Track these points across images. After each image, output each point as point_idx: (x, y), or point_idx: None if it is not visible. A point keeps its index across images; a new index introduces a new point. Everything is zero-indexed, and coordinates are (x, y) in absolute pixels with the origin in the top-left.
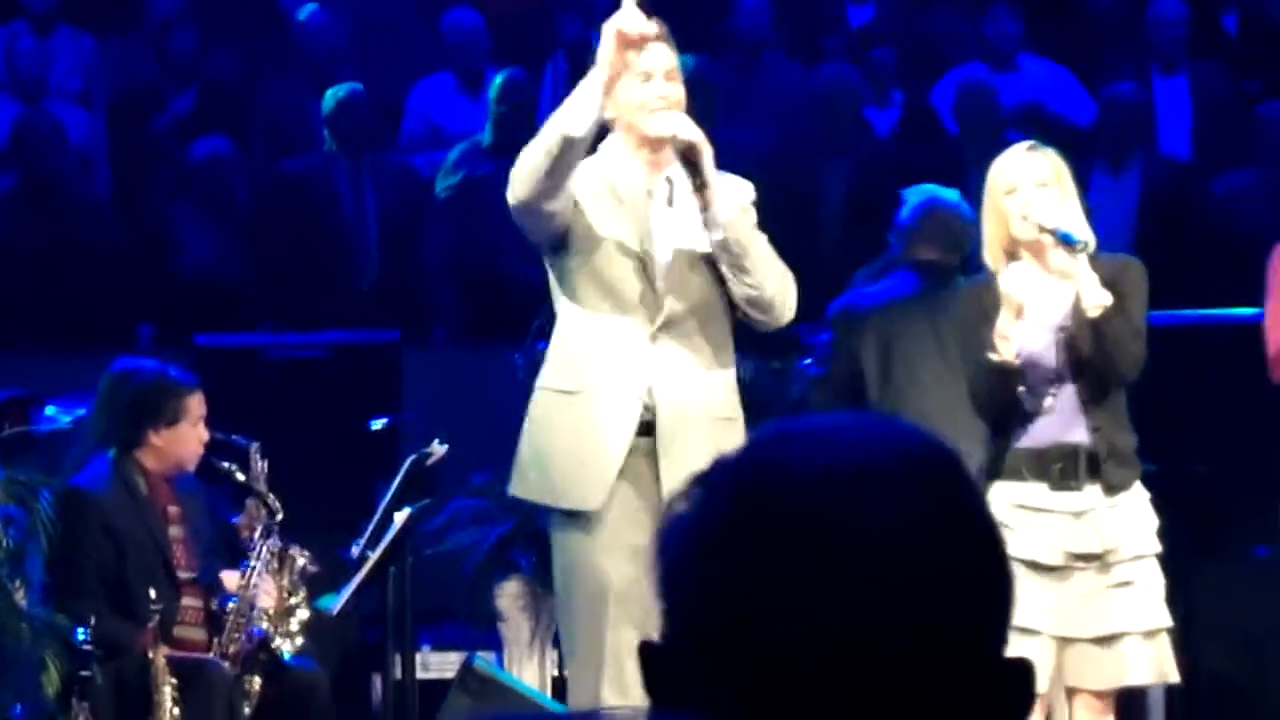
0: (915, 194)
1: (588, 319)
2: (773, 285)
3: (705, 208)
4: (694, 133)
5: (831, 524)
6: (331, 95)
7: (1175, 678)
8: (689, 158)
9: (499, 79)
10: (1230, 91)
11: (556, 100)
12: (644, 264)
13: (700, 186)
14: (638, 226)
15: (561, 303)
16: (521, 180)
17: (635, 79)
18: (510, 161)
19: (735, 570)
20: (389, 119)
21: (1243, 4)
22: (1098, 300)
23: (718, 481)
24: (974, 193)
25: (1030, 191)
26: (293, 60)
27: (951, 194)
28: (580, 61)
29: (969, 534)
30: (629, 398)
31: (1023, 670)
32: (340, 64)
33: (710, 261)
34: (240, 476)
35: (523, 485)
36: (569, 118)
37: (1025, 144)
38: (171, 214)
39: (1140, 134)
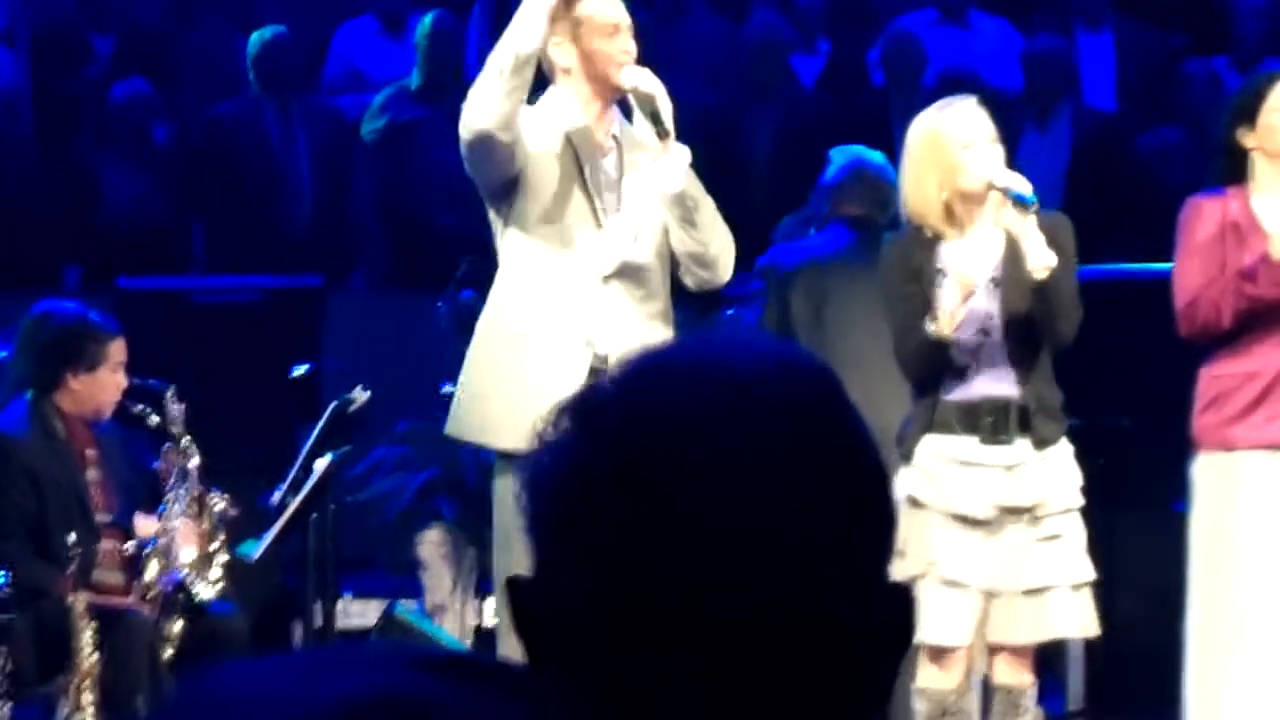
0: (840, 154)
1: (536, 263)
2: (718, 243)
3: (664, 158)
4: (658, 85)
5: (708, 464)
6: (256, 38)
7: (1096, 630)
8: (652, 110)
9: (426, 21)
10: (1155, 47)
11: (483, 44)
12: (594, 212)
13: (663, 135)
14: (589, 175)
15: (507, 247)
16: (477, 109)
17: (600, 31)
18: (437, 105)
19: (607, 513)
20: (314, 61)
21: None
22: (1044, 261)
23: (591, 418)
24: (900, 144)
25: (985, 147)
26: (218, 2)
27: (877, 155)
28: (506, 7)
29: (849, 463)
30: (576, 342)
31: (904, 594)
32: (265, 5)
33: (654, 222)
34: (154, 420)
35: (458, 425)
36: (519, 36)
37: (971, 99)
38: (94, 156)
39: (1065, 87)
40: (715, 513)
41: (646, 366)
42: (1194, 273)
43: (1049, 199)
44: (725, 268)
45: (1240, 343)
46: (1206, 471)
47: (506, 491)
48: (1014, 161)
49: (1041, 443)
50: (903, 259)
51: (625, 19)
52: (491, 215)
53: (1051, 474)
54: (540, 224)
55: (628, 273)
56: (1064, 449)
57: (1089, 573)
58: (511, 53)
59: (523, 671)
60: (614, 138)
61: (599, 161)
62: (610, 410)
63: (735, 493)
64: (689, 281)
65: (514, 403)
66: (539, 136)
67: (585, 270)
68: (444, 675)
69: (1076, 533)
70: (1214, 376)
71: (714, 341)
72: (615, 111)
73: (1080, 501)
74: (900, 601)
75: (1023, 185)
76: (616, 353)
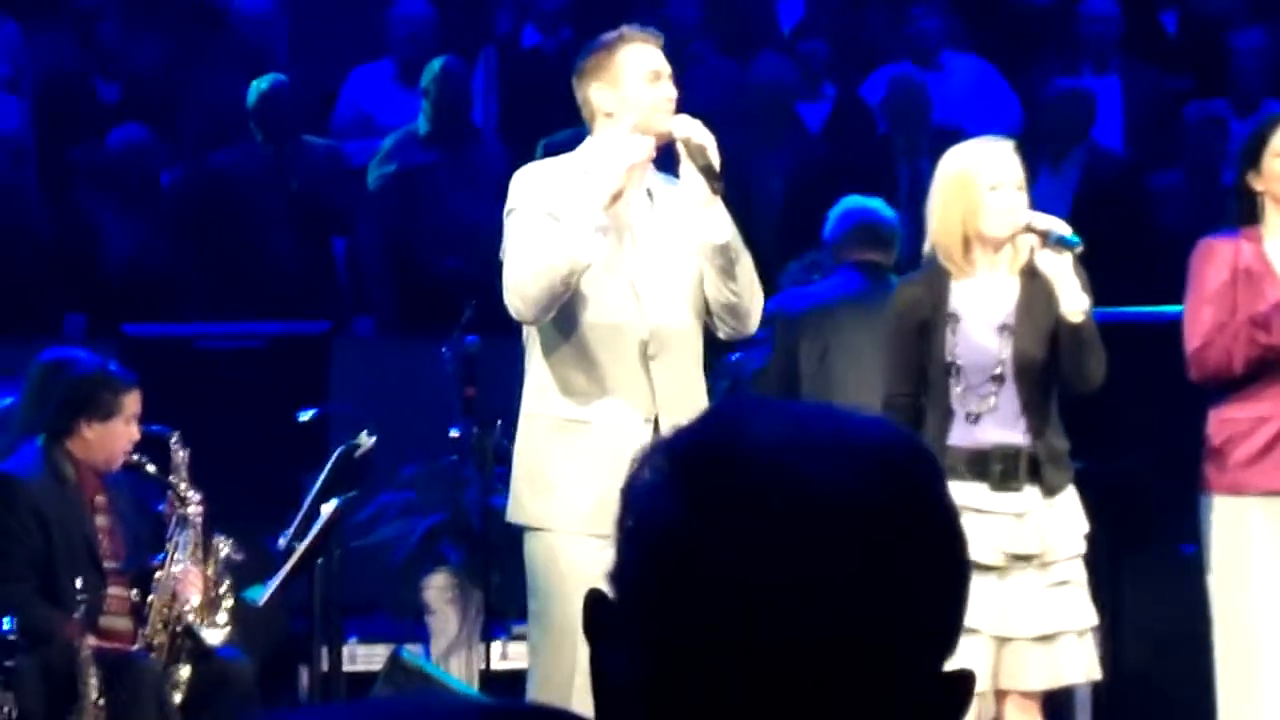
0: (843, 204)
1: (579, 342)
2: (751, 295)
3: (714, 208)
4: (709, 135)
5: (787, 496)
6: (255, 87)
7: (1100, 675)
8: (705, 161)
9: (434, 67)
10: (1162, 90)
11: (488, 92)
12: (632, 282)
13: (715, 188)
14: (624, 242)
15: (540, 327)
16: (533, 304)
17: (641, 78)
18: (444, 150)
19: (690, 537)
20: (322, 104)
21: (1182, 2)
22: (1080, 305)
23: (681, 449)
24: (903, 188)
25: (1012, 192)
26: (224, 48)
27: (875, 202)
28: (511, 54)
29: (928, 525)
30: (636, 420)
31: (964, 681)
32: (274, 50)
33: (687, 276)
34: (151, 469)
35: (523, 514)
36: (580, 246)
37: (1004, 139)
38: (94, 203)
39: (1083, 130)
40: (797, 554)
41: (738, 406)
42: (1206, 317)
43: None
44: (756, 319)
45: (1250, 387)
46: (1218, 516)
47: (547, 560)
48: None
49: (1050, 491)
50: (912, 306)
51: (666, 65)
52: None
53: (1060, 521)
54: (578, 299)
55: (671, 337)
56: (1071, 496)
57: (1094, 618)
58: (571, 263)
59: None
60: (648, 193)
61: (632, 219)
62: (698, 439)
63: (824, 529)
64: (720, 332)
65: (580, 490)
66: (561, 200)
67: (628, 345)
68: None
69: (1082, 578)
70: (1223, 420)
71: (787, 402)
72: (648, 167)
73: (1084, 548)
74: (961, 685)
75: (1063, 227)
76: (675, 421)
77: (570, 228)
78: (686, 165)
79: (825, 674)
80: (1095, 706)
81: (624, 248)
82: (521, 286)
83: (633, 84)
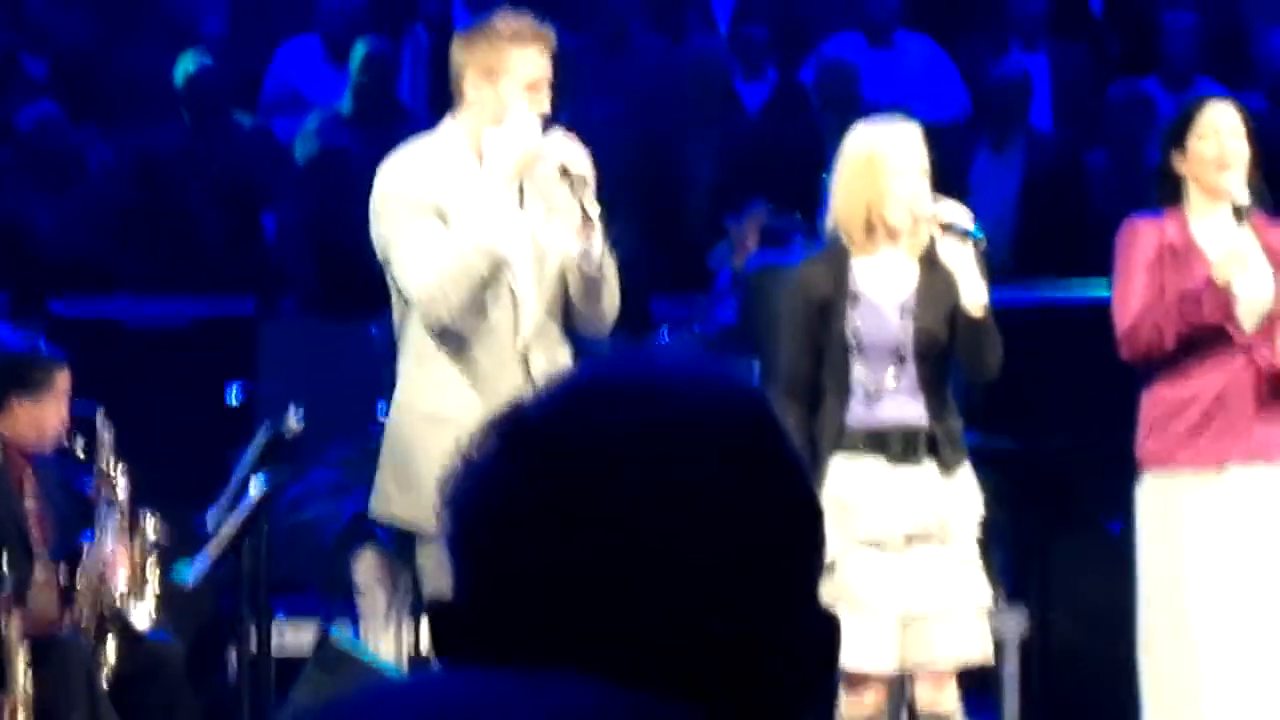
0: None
1: (453, 337)
2: (611, 309)
3: (587, 241)
4: (586, 165)
5: (635, 487)
6: (181, 69)
7: (991, 655)
8: (580, 191)
9: (361, 49)
10: (1090, 69)
11: (415, 73)
12: (508, 277)
13: (588, 220)
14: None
15: (414, 321)
16: (457, 308)
17: (519, 86)
18: (368, 131)
19: (532, 535)
20: (251, 80)
21: None
22: (980, 297)
23: (517, 440)
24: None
25: (917, 179)
26: (153, 22)
27: None
28: (440, 35)
29: (778, 488)
30: None
31: (830, 619)
32: (203, 24)
33: (557, 268)
34: (80, 451)
35: (386, 507)
36: (493, 240)
37: (913, 123)
38: (14, 181)
39: (1022, 113)
40: (641, 537)
41: (574, 387)
42: (1135, 296)
43: (1004, 224)
44: (611, 323)
45: (1181, 365)
46: (1151, 493)
47: (433, 564)
48: (964, 189)
49: (948, 469)
50: (814, 285)
51: (549, 72)
52: (395, 287)
53: (958, 499)
54: None
55: (540, 335)
56: (967, 474)
57: (989, 597)
58: (488, 259)
59: None
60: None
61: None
62: (537, 432)
63: (662, 517)
64: (577, 327)
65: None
66: (445, 195)
67: (502, 339)
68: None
69: (978, 557)
70: (1156, 399)
71: (643, 361)
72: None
73: (979, 528)
74: (826, 626)
75: (966, 220)
76: None
77: (476, 223)
78: (559, 186)
79: (691, 652)
80: (1024, 685)
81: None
82: (441, 293)
83: (509, 89)
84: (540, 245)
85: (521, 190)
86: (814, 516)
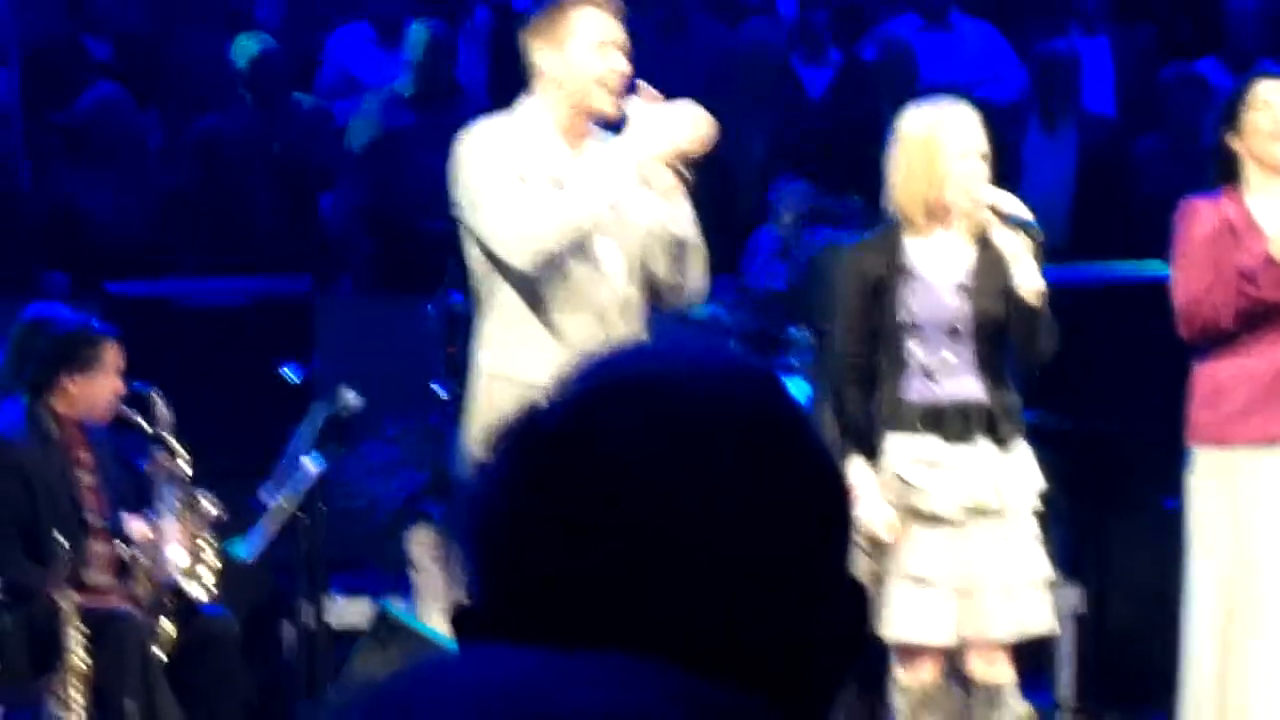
0: None
1: (542, 305)
2: (699, 280)
3: (674, 199)
4: (676, 129)
5: (652, 487)
6: (245, 50)
7: (1056, 626)
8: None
9: (421, 31)
10: (1153, 53)
11: (474, 54)
12: (592, 248)
13: (679, 183)
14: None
15: (500, 285)
16: (545, 257)
17: (589, 46)
18: (427, 112)
19: (548, 539)
20: (306, 65)
21: None
22: (1036, 285)
23: (531, 443)
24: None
25: (976, 162)
26: (210, 7)
27: None
28: (503, 17)
29: (798, 471)
30: None
31: (860, 594)
32: (259, 11)
33: (638, 245)
34: (140, 421)
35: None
36: (596, 208)
37: (969, 107)
38: (74, 164)
39: (1071, 93)
40: (659, 536)
41: (585, 387)
42: (1193, 275)
43: (1058, 204)
44: (701, 291)
45: (1238, 342)
46: (1204, 467)
47: None
48: (1019, 168)
49: (1004, 444)
50: (869, 266)
51: (621, 36)
52: (476, 252)
53: (1015, 475)
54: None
55: (627, 302)
56: (1024, 449)
57: (1050, 570)
58: (585, 223)
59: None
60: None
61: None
62: (550, 434)
63: (683, 514)
64: (660, 304)
65: None
66: (531, 170)
67: (588, 306)
68: (677, 702)
69: (1037, 532)
70: (1210, 374)
71: (655, 355)
72: (589, 129)
73: (1038, 501)
74: (856, 601)
75: (1024, 212)
76: None
77: (585, 191)
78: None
79: (714, 644)
80: (1079, 662)
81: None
82: (536, 238)
83: (578, 51)
84: (627, 219)
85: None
86: (837, 495)
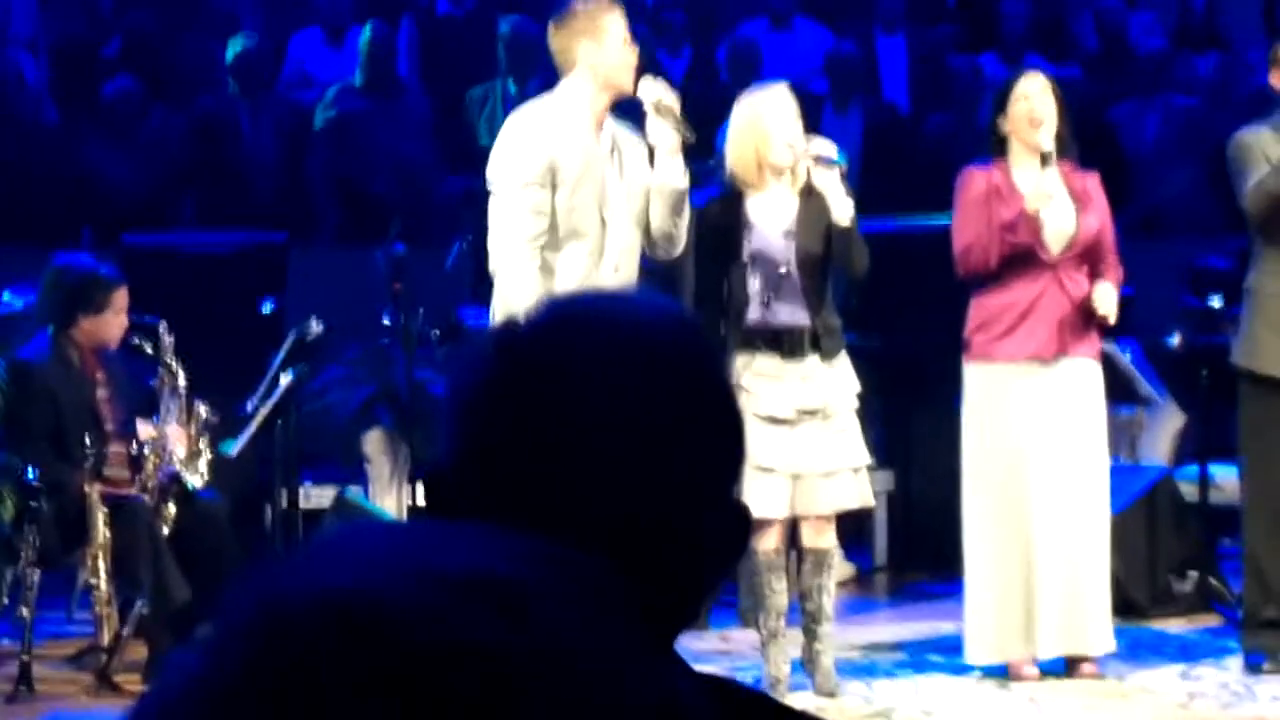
0: None
1: (551, 254)
2: (685, 230)
3: (676, 157)
4: (674, 98)
5: (591, 391)
6: (232, 47)
7: (872, 501)
8: (674, 117)
9: (368, 31)
10: (942, 46)
11: (411, 52)
12: (600, 207)
13: (687, 137)
14: (598, 173)
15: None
16: (677, 244)
17: (622, 42)
18: (376, 99)
19: (508, 422)
20: (275, 63)
21: None
22: (846, 211)
23: (505, 345)
24: None
25: (791, 123)
26: (201, 13)
27: None
28: (427, 21)
29: (708, 399)
30: None
31: (745, 511)
32: (241, 17)
33: (641, 209)
34: (149, 350)
35: None
36: (680, 178)
37: (783, 84)
38: (98, 139)
39: (860, 84)
40: (594, 432)
41: (557, 309)
42: (968, 226)
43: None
44: (681, 248)
45: (1002, 280)
46: (974, 379)
47: None
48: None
49: (828, 357)
50: (713, 218)
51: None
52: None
53: (837, 381)
54: (560, 216)
55: (624, 255)
56: (844, 361)
57: (867, 457)
58: (682, 195)
59: (580, 558)
60: (613, 137)
61: (603, 160)
62: (523, 340)
63: (612, 417)
64: (656, 255)
65: None
66: (568, 144)
67: (596, 259)
68: (528, 561)
69: (856, 426)
70: (981, 305)
71: (614, 296)
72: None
73: (856, 403)
74: (742, 515)
75: (831, 150)
76: None
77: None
78: (654, 120)
79: (629, 530)
80: (891, 532)
81: (599, 177)
82: (678, 235)
83: (615, 46)
84: (629, 187)
85: (615, 144)
86: (737, 426)
